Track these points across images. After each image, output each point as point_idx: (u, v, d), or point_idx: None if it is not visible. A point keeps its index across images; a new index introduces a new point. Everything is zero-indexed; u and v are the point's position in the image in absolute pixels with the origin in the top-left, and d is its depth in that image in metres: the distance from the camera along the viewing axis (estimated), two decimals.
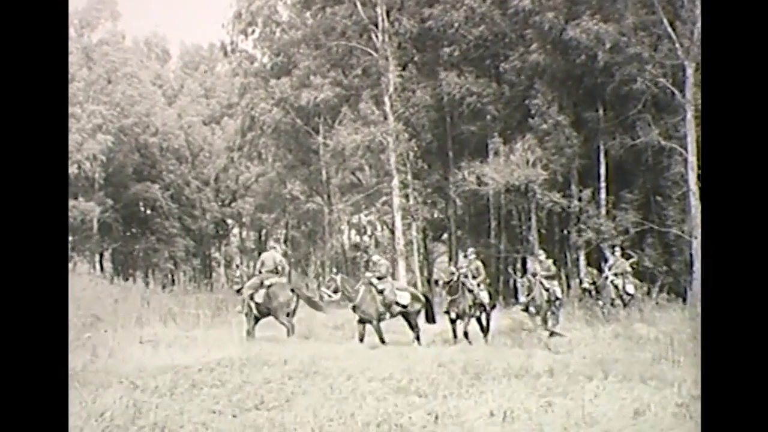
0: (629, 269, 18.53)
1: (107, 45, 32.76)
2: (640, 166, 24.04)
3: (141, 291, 22.36)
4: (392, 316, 14.01)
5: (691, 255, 21.34)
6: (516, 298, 16.01)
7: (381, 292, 13.82)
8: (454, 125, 25.90)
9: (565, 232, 25.48)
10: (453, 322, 13.91)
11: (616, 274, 18.18)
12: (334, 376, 9.08)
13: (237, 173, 35.11)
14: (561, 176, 24.03)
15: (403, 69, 25.10)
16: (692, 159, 21.10)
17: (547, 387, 8.32)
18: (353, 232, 36.29)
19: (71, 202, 27.88)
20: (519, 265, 24.81)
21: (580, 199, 23.53)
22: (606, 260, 19.93)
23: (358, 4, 24.82)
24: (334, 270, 15.29)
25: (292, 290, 14.83)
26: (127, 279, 28.07)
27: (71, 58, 28.46)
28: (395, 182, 24.62)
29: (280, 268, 14.99)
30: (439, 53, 24.76)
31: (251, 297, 14.55)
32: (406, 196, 24.91)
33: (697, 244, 20.41)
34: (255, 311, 14.57)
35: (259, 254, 19.34)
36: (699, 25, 19.72)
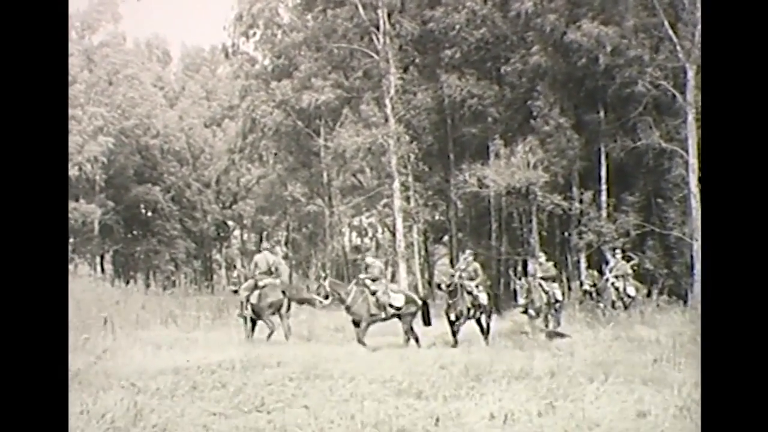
0: (630, 271, 18.53)
1: (108, 47, 32.83)
2: (641, 169, 24.04)
3: (142, 293, 22.31)
4: (386, 317, 13.92)
5: (691, 257, 21.36)
6: (516, 300, 16.00)
7: (374, 293, 13.79)
8: (455, 127, 25.90)
9: (566, 234, 25.44)
10: (452, 323, 13.90)
11: (616, 277, 18.19)
12: (334, 378, 9.08)
13: (238, 175, 35.06)
14: (562, 178, 24.02)
15: (404, 71, 25.15)
16: (693, 161, 21.12)
17: (547, 389, 8.29)
18: (354, 234, 36.25)
19: (72, 204, 27.92)
20: (520, 268, 24.81)
21: (581, 202, 23.54)
22: (607, 262, 19.93)
23: (360, 6, 24.82)
24: (323, 275, 15.26)
25: (283, 291, 14.78)
26: (128, 281, 27.92)
27: (72, 60, 28.51)
28: (396, 184, 24.62)
29: (274, 269, 14.96)
30: (440, 55, 24.76)
31: (247, 299, 14.59)
32: (407, 199, 24.92)
33: (697, 246, 20.41)
34: (251, 313, 14.58)
35: None
36: (700, 27, 19.71)
